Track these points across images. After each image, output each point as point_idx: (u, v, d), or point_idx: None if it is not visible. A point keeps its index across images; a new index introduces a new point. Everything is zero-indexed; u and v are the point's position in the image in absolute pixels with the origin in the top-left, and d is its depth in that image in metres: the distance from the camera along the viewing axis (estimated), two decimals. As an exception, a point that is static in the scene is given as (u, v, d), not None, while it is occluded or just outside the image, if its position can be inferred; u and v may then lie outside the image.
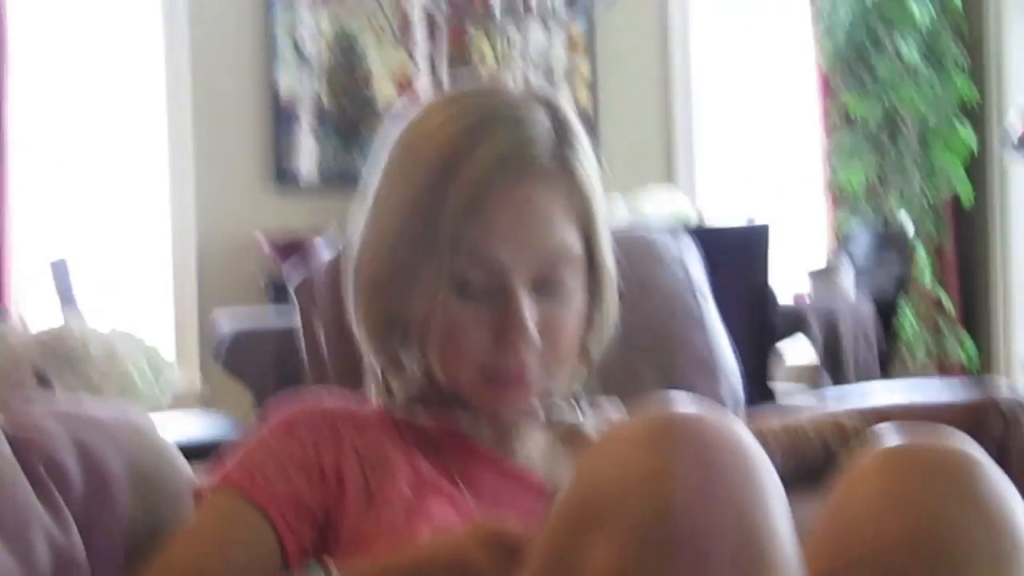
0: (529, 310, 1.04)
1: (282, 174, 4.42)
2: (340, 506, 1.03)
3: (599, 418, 1.19)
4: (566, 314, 1.08)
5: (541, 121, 1.06)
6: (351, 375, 1.24)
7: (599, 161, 1.11)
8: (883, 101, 4.45)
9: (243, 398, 2.73)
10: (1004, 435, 1.30)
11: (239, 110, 4.42)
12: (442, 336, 1.05)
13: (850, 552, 0.86)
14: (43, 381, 1.71)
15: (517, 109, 1.06)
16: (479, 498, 1.06)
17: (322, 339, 1.52)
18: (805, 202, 4.75)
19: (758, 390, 2.49)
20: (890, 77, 4.47)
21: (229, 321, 2.75)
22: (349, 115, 4.47)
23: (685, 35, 4.74)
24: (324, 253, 1.58)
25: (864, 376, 2.97)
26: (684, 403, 0.81)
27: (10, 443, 1.00)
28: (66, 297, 3.05)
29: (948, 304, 4.50)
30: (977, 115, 4.56)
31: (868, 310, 3.09)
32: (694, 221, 3.13)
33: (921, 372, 4.44)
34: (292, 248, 4.07)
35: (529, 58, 4.57)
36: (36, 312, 3.99)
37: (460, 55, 4.52)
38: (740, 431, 0.79)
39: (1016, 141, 2.31)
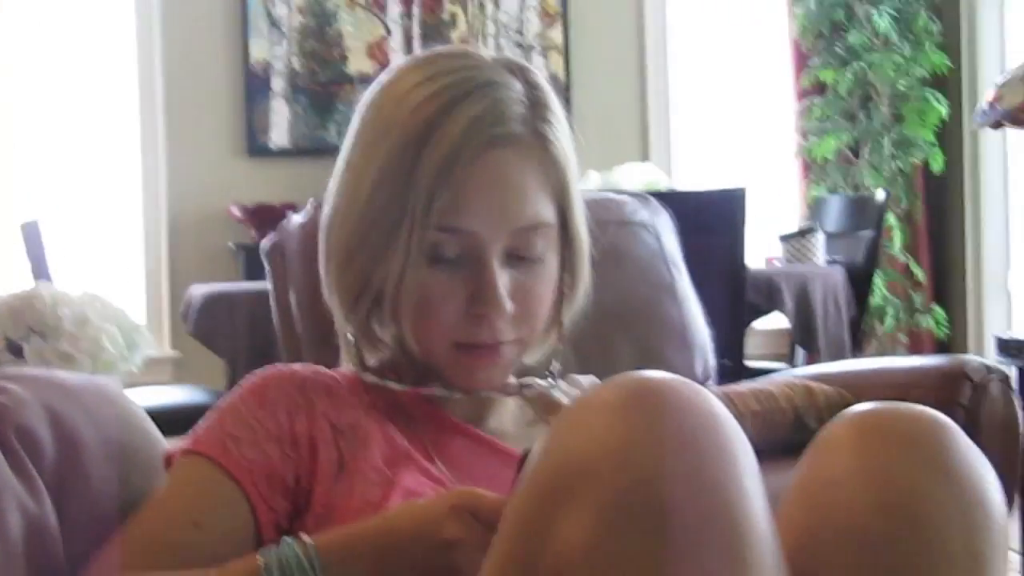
0: (502, 280, 1.03)
1: (254, 143, 4.38)
2: (312, 475, 1.03)
3: (573, 392, 1.19)
4: (540, 284, 1.07)
5: (516, 89, 1.05)
6: (323, 341, 1.23)
7: (573, 131, 1.10)
8: (855, 71, 4.46)
9: (216, 368, 2.72)
10: (973, 401, 1.31)
11: (212, 79, 4.38)
12: (415, 305, 1.04)
13: (823, 521, 0.87)
14: (12, 348, 1.70)
15: (491, 76, 1.05)
16: (452, 469, 1.05)
17: (294, 304, 1.50)
18: (778, 171, 4.76)
19: (732, 363, 2.49)
20: (863, 47, 4.48)
21: (199, 286, 2.71)
22: (322, 84, 4.43)
23: (660, 3, 4.72)
24: (297, 219, 1.55)
25: (834, 340, 2.98)
26: (655, 376, 0.80)
27: (-20, 412, 0.99)
28: (38, 259, 3.01)
29: (918, 272, 4.54)
30: (949, 85, 4.57)
31: (840, 276, 3.10)
32: (667, 188, 3.13)
33: (890, 338, 4.48)
34: (264, 216, 4.05)
35: (502, 25, 4.54)
36: (5, 276, 3.96)
37: (434, 24, 4.49)
38: (710, 398, 0.79)
39: (987, 108, 2.31)
